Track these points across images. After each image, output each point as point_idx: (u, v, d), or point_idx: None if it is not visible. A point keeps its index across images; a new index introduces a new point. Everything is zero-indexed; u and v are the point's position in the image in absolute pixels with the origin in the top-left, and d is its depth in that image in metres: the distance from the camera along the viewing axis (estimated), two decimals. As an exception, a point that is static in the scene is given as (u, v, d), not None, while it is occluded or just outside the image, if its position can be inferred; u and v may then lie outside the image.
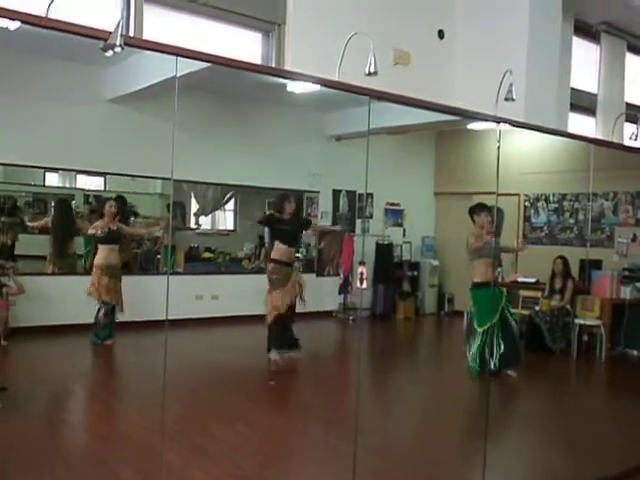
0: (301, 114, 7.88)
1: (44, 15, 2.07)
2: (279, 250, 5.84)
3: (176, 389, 4.61)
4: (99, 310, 6.05)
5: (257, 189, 8.36)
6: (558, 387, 5.91)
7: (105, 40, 2.11)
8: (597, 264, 7.40)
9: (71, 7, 2.62)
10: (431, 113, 3.43)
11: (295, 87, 3.52)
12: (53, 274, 6.84)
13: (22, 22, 2.04)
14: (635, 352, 7.06)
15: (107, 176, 7.50)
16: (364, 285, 3.11)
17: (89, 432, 4.31)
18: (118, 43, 2.09)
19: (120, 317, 6.13)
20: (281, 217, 5.88)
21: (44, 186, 7.44)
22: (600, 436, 4.42)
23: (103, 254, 6.10)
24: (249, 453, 3.83)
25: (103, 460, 3.63)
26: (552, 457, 4.03)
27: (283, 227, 5.86)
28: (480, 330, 5.46)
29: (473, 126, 5.35)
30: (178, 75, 2.45)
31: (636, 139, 4.65)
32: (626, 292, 7.25)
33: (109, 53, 2.11)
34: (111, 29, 2.12)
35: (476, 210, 5.66)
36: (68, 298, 6.21)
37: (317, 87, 2.95)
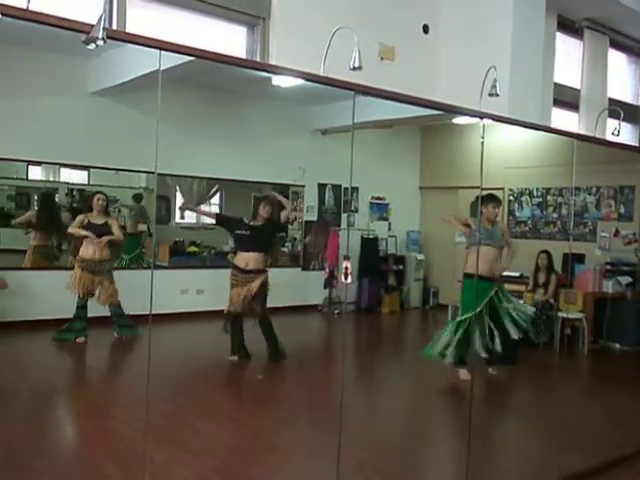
0: (287, 108, 7.85)
1: (25, 7, 2.04)
2: None
3: (160, 385, 4.61)
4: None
5: (242, 183, 8.33)
6: (541, 380, 5.97)
7: (87, 33, 2.08)
8: (580, 258, 7.47)
9: (53, -1, 2.59)
10: (416, 108, 3.43)
11: (281, 81, 3.50)
12: (33, 268, 6.77)
13: (2, 14, 2.01)
14: (617, 345, 7.14)
15: (91, 170, 7.43)
16: (349, 280, 3.11)
17: (72, 430, 4.29)
18: (100, 36, 2.06)
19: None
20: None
21: (27, 180, 7.35)
22: (584, 428, 4.47)
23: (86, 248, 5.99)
24: (233, 448, 3.83)
25: (87, 457, 3.61)
26: (537, 449, 4.08)
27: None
28: (457, 320, 5.31)
29: (458, 121, 5.37)
30: (162, 68, 2.43)
31: (618, 134, 4.69)
32: (608, 286, 7.33)
33: (91, 46, 2.08)
34: (94, 22, 2.09)
35: (484, 201, 5.29)
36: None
37: (302, 81, 2.94)
